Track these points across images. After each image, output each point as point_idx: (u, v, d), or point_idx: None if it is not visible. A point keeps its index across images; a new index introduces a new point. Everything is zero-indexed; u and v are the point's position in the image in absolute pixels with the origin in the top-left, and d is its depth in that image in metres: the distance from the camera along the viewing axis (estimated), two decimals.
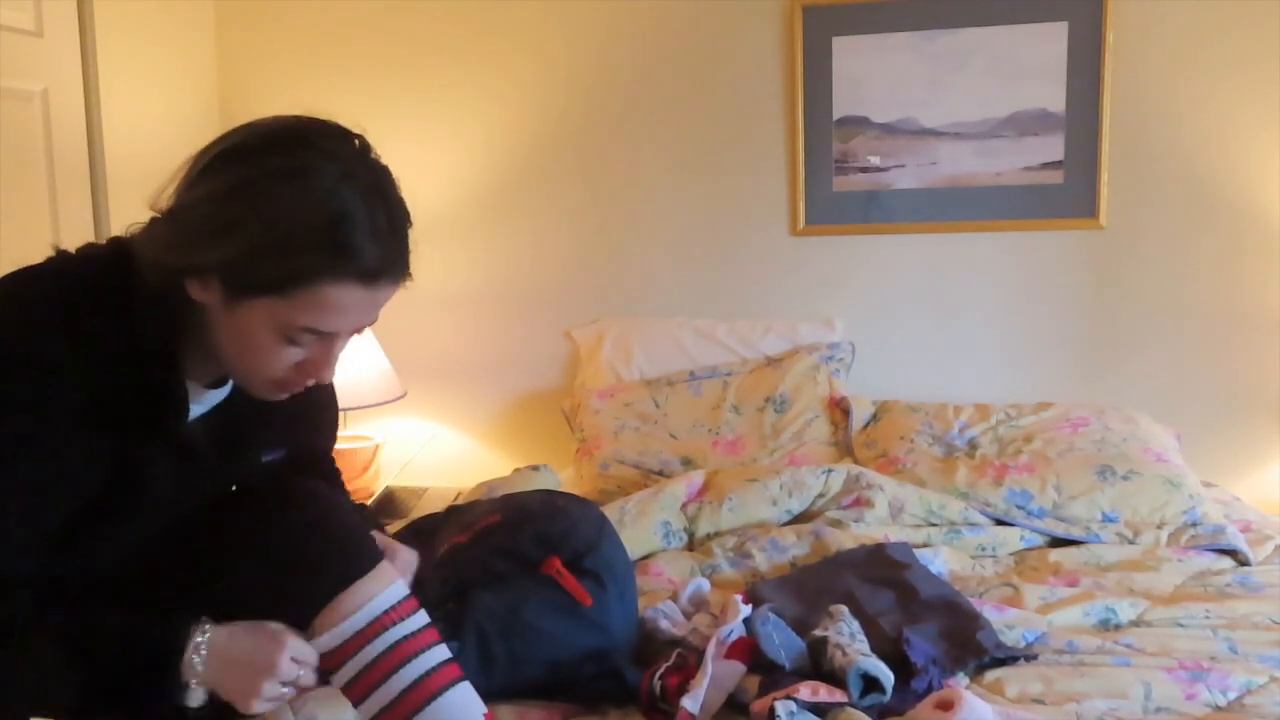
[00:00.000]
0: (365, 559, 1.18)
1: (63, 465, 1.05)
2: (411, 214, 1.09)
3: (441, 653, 1.19)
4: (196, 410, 1.17)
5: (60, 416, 1.03)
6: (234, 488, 1.31)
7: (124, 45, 2.69)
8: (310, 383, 1.11)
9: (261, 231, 0.99)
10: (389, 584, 1.18)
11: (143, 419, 1.10)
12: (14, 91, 2.37)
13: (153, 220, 1.08)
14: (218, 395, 1.19)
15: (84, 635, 1.07)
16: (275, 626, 1.13)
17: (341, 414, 2.71)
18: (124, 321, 1.06)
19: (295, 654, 1.12)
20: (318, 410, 1.37)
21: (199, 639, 1.09)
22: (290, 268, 1.00)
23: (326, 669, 1.16)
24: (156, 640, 1.09)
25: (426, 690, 1.15)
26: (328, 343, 1.08)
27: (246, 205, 0.99)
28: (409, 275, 1.09)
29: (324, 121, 1.07)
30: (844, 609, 1.57)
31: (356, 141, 1.07)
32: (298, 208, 1.00)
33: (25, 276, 1.09)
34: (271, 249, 1.00)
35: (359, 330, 1.11)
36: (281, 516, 1.19)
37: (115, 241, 1.12)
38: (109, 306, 1.06)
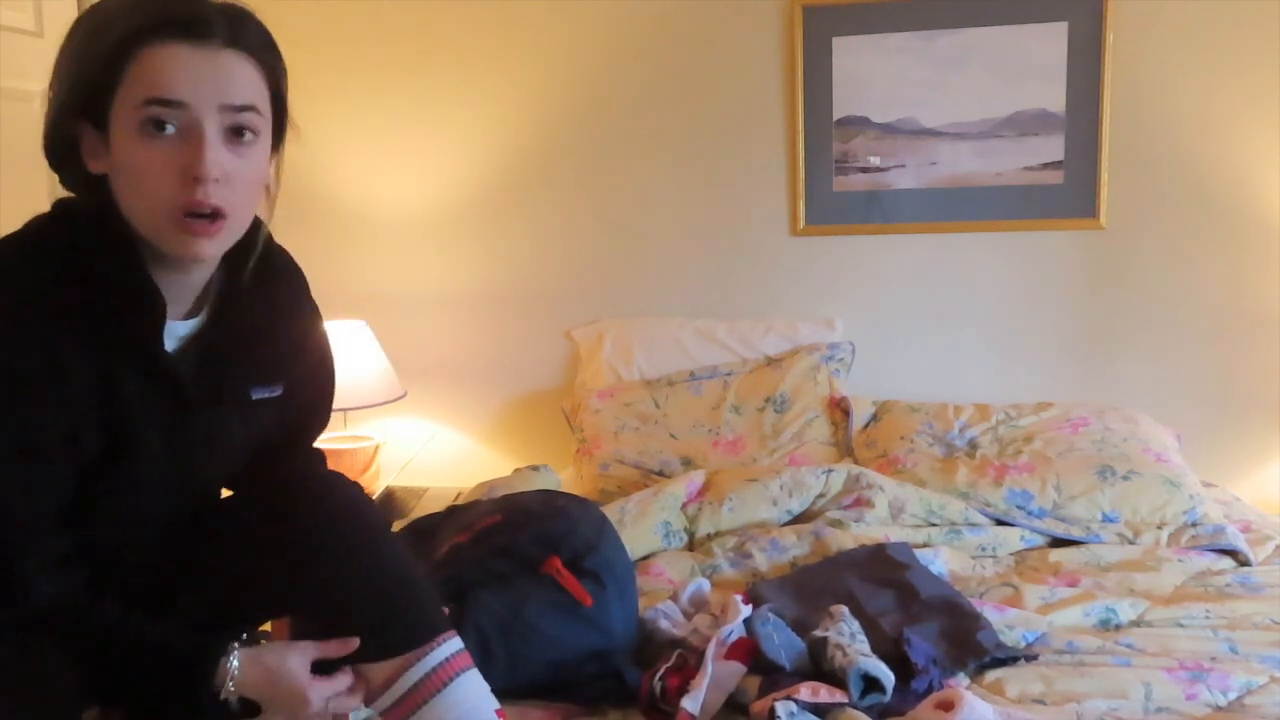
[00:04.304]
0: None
1: (50, 399, 1.05)
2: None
3: (455, 644, 1.21)
4: (173, 336, 1.17)
5: (40, 350, 1.04)
6: (231, 476, 1.32)
7: None
8: (203, 194, 1.07)
9: (80, 44, 1.09)
10: None
11: (122, 326, 1.10)
12: (14, 91, 2.37)
13: None
14: (189, 326, 1.19)
15: (119, 646, 1.09)
16: (296, 675, 1.14)
17: (342, 414, 2.75)
18: (83, 250, 1.10)
19: (324, 694, 1.15)
20: (305, 346, 1.34)
21: (230, 666, 1.11)
22: (111, 51, 1.05)
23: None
24: (189, 665, 1.11)
25: (439, 679, 1.17)
26: (189, 131, 1.07)
27: (64, 43, 1.11)
28: (252, 45, 1.14)
29: None
30: (844, 609, 1.57)
31: None
32: (97, 11, 1.09)
33: None
34: (91, 46, 1.07)
35: (231, 112, 1.10)
36: (293, 517, 1.19)
37: (57, 203, 1.20)
38: (61, 237, 1.12)
